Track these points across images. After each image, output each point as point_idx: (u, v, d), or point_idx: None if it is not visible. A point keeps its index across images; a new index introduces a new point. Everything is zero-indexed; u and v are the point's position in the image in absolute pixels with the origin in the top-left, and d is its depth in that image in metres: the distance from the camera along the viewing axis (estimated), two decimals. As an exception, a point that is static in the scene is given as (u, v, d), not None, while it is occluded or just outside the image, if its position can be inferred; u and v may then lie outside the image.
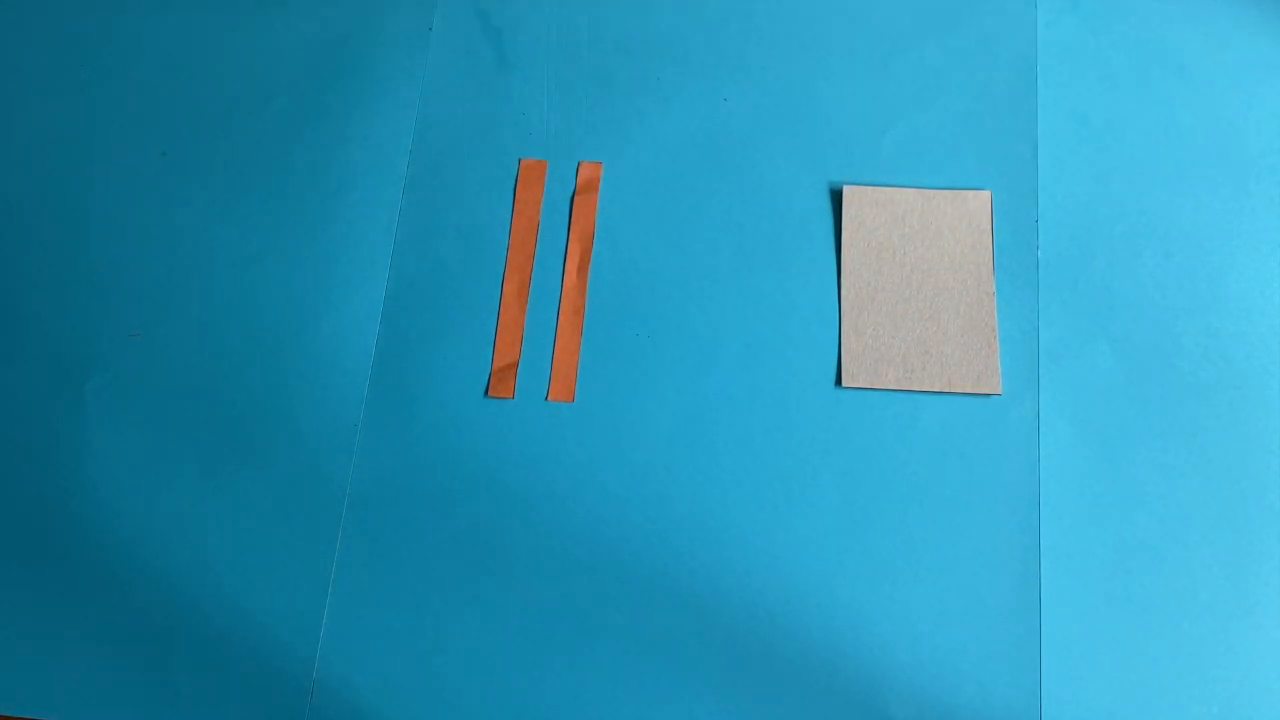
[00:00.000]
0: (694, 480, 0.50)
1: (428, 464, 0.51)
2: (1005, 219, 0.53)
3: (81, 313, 0.54)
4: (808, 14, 0.57)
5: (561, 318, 0.53)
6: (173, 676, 0.49)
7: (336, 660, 0.49)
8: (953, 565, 0.49)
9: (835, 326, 0.51)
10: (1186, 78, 0.55)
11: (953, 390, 0.50)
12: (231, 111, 0.57)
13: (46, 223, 0.55)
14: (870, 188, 0.53)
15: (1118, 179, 0.54)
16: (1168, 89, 0.55)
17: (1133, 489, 0.49)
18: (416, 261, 0.54)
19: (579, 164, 0.55)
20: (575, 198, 0.54)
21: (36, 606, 0.50)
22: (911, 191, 0.53)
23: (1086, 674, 0.47)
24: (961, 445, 0.50)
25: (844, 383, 0.50)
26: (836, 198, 0.53)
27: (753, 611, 0.49)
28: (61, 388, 0.53)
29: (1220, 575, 0.48)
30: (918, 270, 0.52)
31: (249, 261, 0.54)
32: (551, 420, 0.51)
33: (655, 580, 0.49)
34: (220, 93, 0.57)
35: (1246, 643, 0.47)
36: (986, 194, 0.53)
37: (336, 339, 0.53)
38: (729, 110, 0.56)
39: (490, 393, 0.52)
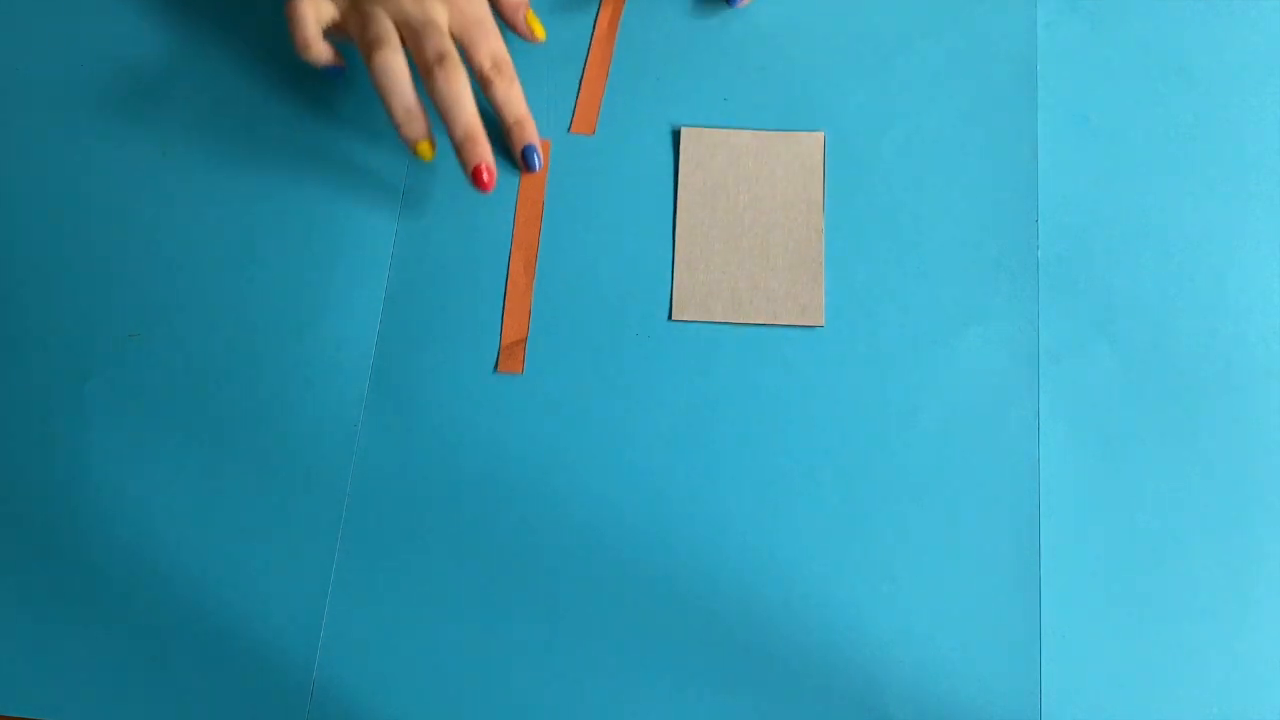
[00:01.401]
0: (694, 478, 0.50)
1: (428, 464, 0.51)
2: (1004, 219, 0.53)
3: (80, 313, 0.54)
4: (807, 13, 0.57)
5: None
6: (173, 677, 0.49)
7: (336, 660, 0.49)
8: (953, 565, 0.49)
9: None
10: (1186, 78, 0.55)
11: (778, 322, 0.51)
12: (231, 107, 0.57)
13: (45, 222, 0.55)
14: (707, 129, 0.55)
15: (1118, 179, 0.54)
16: (1168, 89, 0.55)
17: (1133, 489, 0.50)
18: (418, 260, 0.54)
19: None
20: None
21: (36, 606, 0.50)
22: (747, 134, 0.54)
23: (1086, 674, 0.47)
24: (961, 445, 0.50)
25: (674, 316, 0.52)
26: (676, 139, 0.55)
27: (752, 610, 0.49)
28: (60, 388, 0.53)
29: (1220, 575, 0.48)
30: (750, 209, 0.52)
31: (248, 258, 0.54)
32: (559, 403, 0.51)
33: (656, 579, 0.49)
34: (220, 88, 0.57)
35: (1246, 643, 0.48)
36: (819, 135, 0.54)
37: (337, 332, 0.53)
38: (729, 110, 0.56)
39: (500, 368, 0.51)
